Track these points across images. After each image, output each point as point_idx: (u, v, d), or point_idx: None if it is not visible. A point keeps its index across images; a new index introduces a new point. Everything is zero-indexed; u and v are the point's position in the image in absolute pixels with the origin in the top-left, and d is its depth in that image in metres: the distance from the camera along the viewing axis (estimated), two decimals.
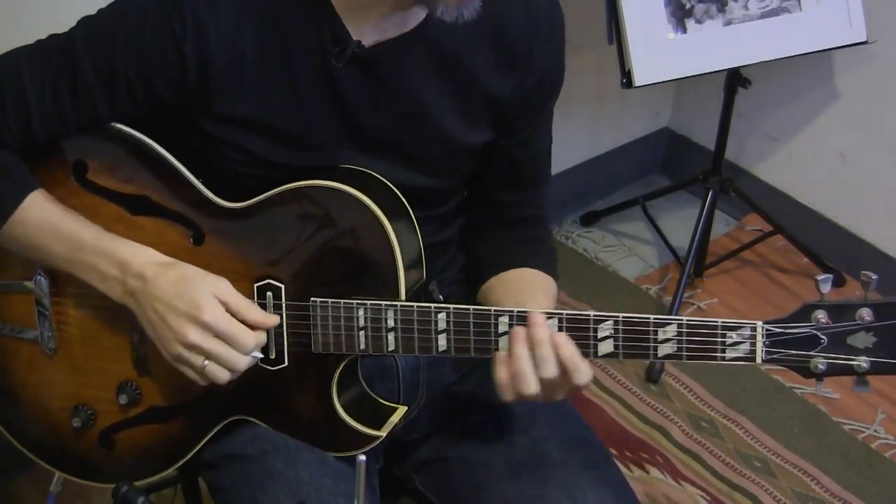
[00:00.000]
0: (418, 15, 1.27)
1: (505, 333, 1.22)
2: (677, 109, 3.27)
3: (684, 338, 1.16)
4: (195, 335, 1.22)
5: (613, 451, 2.36)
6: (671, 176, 3.30)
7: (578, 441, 1.41)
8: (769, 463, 2.36)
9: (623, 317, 1.17)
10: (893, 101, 2.69)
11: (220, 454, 1.38)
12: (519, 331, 1.20)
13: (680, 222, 3.05)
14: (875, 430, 2.46)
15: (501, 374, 1.22)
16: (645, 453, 2.38)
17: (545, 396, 1.23)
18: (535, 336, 1.19)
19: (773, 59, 2.46)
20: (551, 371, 1.19)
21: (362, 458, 0.99)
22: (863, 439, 2.44)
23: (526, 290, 1.41)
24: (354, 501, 1.02)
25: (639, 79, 2.34)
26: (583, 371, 1.20)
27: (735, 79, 2.59)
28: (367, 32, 1.26)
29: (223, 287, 1.25)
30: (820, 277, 1.11)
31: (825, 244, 2.87)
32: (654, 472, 2.33)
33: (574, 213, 3.11)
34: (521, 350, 1.20)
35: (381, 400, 1.36)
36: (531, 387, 1.20)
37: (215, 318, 1.22)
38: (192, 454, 1.38)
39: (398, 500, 1.49)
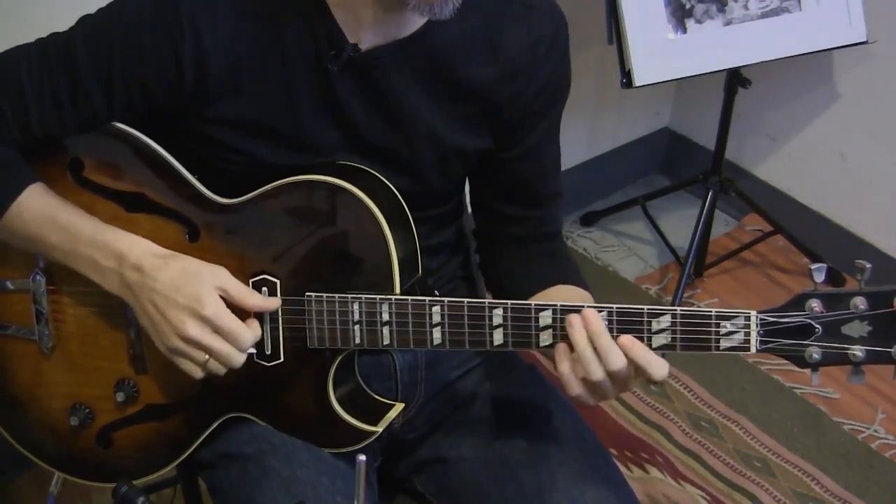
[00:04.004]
0: (416, 21, 1.26)
1: (500, 326, 1.22)
2: (677, 109, 3.27)
3: (678, 328, 1.15)
4: (195, 329, 1.22)
5: (613, 451, 2.35)
6: (671, 176, 3.30)
7: (578, 441, 1.40)
8: (769, 463, 2.36)
9: (617, 308, 1.17)
10: (893, 101, 2.69)
11: (218, 454, 1.38)
12: (573, 318, 1.17)
13: (680, 222, 3.05)
14: (875, 430, 2.46)
15: (563, 365, 1.20)
16: (645, 453, 2.38)
17: (617, 389, 1.20)
18: (592, 328, 1.16)
19: (773, 59, 2.46)
20: (617, 362, 1.15)
21: (362, 457, 0.99)
22: (863, 439, 2.43)
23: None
24: (354, 501, 1.01)
25: (639, 79, 2.35)
26: (655, 365, 1.16)
27: (735, 79, 2.59)
28: (363, 36, 1.26)
29: (222, 276, 1.25)
30: (814, 266, 1.11)
31: (825, 244, 2.87)
32: (654, 471, 2.33)
33: (574, 213, 3.11)
34: (579, 336, 1.17)
35: (377, 396, 1.36)
36: (597, 372, 1.16)
37: (215, 313, 1.22)
38: (189, 452, 1.38)
39: (395, 498, 1.49)
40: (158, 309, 1.24)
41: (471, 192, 1.48)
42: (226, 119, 1.28)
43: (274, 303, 1.28)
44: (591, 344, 1.17)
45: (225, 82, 1.26)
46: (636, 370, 1.18)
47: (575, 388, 1.20)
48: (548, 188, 1.45)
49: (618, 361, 1.15)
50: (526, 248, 1.46)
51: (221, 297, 1.24)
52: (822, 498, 2.28)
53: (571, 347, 1.19)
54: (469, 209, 1.56)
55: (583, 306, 1.18)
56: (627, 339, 1.16)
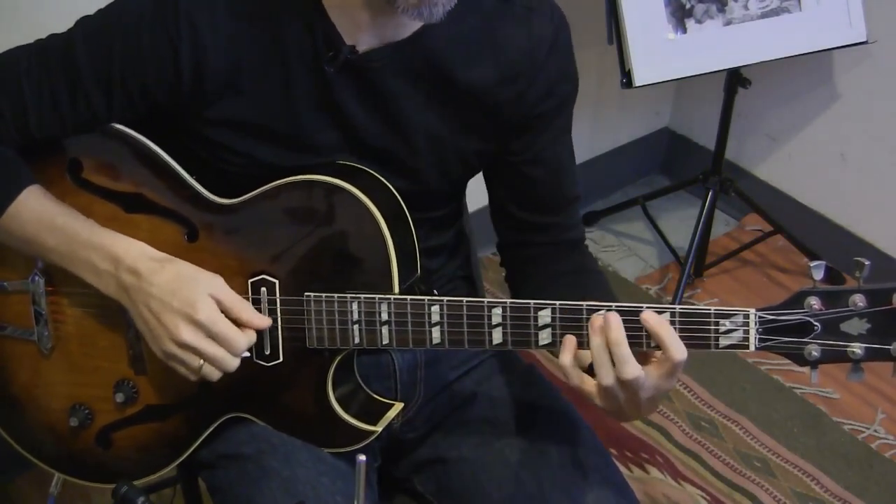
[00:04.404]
0: (412, 24, 1.26)
1: (499, 325, 1.21)
2: (677, 109, 3.27)
3: (677, 326, 1.14)
4: (188, 334, 1.22)
5: (613, 451, 2.35)
6: (671, 176, 3.30)
7: (578, 441, 1.40)
8: (769, 463, 2.36)
9: (616, 306, 1.16)
10: (893, 101, 2.69)
11: (218, 454, 1.38)
12: (595, 321, 1.15)
13: (680, 222, 3.05)
14: (875, 430, 2.46)
15: (565, 356, 1.18)
16: (645, 453, 2.38)
17: (631, 403, 1.17)
18: (611, 336, 1.14)
19: (773, 59, 2.46)
20: (630, 373, 1.13)
21: (362, 457, 0.98)
22: (863, 439, 2.43)
23: None
24: (354, 501, 1.01)
25: (639, 79, 2.35)
26: (676, 347, 1.13)
27: (735, 79, 2.59)
28: (360, 38, 1.26)
29: (218, 285, 1.25)
30: (813, 264, 1.10)
31: (825, 244, 2.87)
32: (654, 472, 2.33)
33: None
34: (596, 340, 1.15)
35: (376, 396, 1.36)
36: (607, 377, 1.14)
37: (209, 318, 1.22)
38: (189, 452, 1.38)
39: (395, 498, 1.49)
40: (153, 313, 1.24)
41: (490, 203, 1.47)
42: (225, 119, 1.28)
43: (265, 322, 1.27)
44: (607, 349, 1.15)
45: (224, 82, 1.26)
46: (654, 362, 1.15)
47: (574, 379, 1.19)
48: (563, 191, 1.43)
49: (631, 372, 1.13)
50: (551, 262, 1.44)
51: None
52: (822, 498, 2.28)
53: (579, 342, 1.18)
54: (469, 210, 1.56)
55: (582, 305, 1.18)
56: (650, 314, 1.14)
